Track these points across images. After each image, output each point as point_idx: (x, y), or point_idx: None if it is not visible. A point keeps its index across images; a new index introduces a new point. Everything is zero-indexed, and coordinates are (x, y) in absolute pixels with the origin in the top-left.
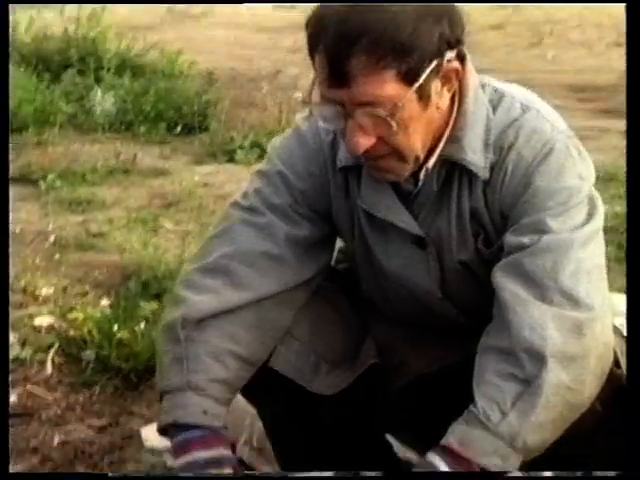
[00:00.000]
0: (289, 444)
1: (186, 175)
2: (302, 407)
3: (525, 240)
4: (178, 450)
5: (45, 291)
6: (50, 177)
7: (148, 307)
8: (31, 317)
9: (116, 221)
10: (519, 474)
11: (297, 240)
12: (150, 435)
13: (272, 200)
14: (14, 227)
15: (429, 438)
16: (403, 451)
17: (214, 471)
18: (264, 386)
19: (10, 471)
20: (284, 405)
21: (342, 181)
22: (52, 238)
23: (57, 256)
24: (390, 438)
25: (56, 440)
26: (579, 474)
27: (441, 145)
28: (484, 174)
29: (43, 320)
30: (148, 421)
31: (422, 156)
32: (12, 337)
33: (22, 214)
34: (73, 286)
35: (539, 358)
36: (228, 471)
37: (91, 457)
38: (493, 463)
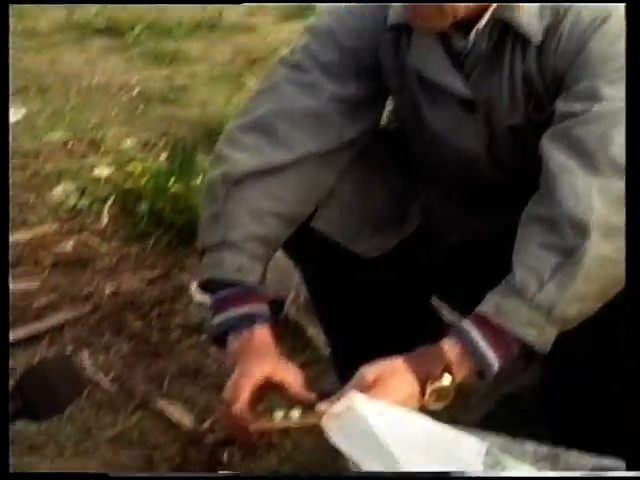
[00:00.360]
0: (331, 304)
1: (272, 32)
2: (344, 268)
3: (577, 107)
4: (215, 307)
5: (118, 144)
6: (136, 29)
7: (206, 161)
8: (92, 167)
9: (200, 76)
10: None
11: (343, 99)
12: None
13: (319, 57)
14: (98, 78)
15: (473, 304)
16: (448, 313)
17: (247, 327)
18: (306, 246)
19: (61, 318)
20: (326, 265)
21: (392, 40)
22: (136, 91)
23: (140, 109)
24: (435, 300)
25: (108, 290)
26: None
27: (494, 4)
28: (537, 37)
29: (102, 171)
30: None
31: (463, 12)
32: (71, 186)
33: (107, 65)
34: (151, 139)
35: (582, 229)
36: (261, 327)
37: (140, 308)
38: (528, 334)
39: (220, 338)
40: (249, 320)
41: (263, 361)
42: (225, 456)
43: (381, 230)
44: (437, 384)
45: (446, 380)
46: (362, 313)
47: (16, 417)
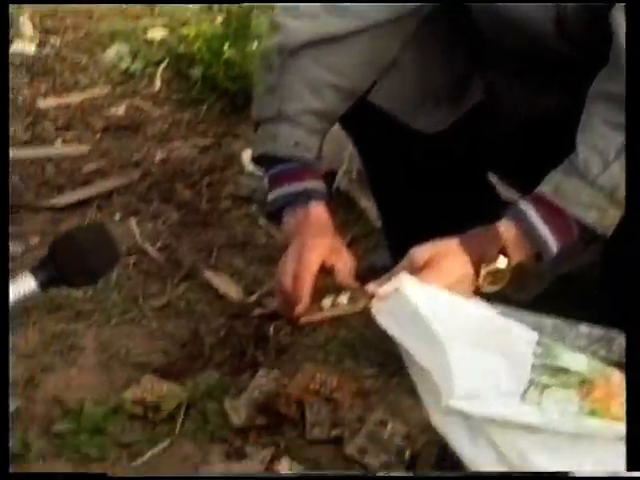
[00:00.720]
0: (386, 179)
1: None
2: (402, 144)
3: None
4: (270, 183)
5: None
6: None
7: (262, 26)
8: (145, 30)
9: None
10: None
11: None
12: None
13: None
14: None
15: (535, 183)
16: (505, 190)
17: (303, 204)
18: (363, 121)
19: (110, 185)
20: (383, 141)
21: None
22: None
23: None
24: (493, 177)
25: (158, 156)
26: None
27: None
28: None
29: (156, 33)
30: (251, 144)
31: None
32: (124, 48)
33: None
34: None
35: None
36: (317, 203)
37: (191, 176)
38: (589, 216)
39: (275, 214)
40: (305, 196)
41: (319, 243)
42: (271, 330)
43: (441, 105)
44: (492, 266)
45: (501, 262)
46: (417, 187)
47: (50, 284)
